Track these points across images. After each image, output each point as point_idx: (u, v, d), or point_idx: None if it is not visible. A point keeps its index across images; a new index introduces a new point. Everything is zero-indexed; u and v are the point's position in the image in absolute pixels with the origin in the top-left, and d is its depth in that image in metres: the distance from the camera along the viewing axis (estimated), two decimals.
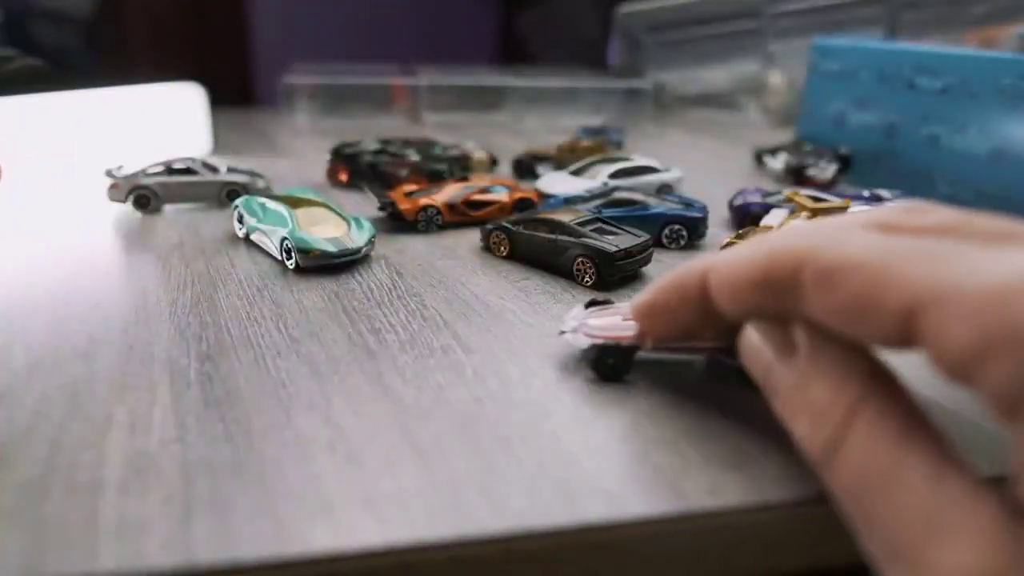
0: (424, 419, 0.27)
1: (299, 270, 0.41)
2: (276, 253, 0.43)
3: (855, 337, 0.20)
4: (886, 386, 0.20)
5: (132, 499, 0.22)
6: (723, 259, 0.24)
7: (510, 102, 0.97)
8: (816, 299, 0.20)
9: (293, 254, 0.41)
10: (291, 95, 0.89)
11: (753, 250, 0.22)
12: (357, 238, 0.43)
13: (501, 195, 0.52)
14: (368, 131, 0.79)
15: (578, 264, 0.40)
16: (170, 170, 0.53)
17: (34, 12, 1.03)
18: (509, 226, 0.44)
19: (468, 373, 0.30)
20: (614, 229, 0.42)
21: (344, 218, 0.45)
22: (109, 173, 0.53)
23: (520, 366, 0.31)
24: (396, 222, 0.50)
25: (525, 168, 0.67)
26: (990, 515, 0.16)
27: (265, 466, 0.24)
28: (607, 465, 0.24)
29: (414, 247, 0.46)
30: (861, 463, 0.19)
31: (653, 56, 1.07)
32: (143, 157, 0.55)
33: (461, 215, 0.51)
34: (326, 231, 0.43)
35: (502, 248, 0.44)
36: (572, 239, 0.41)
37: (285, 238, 0.41)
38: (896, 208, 0.22)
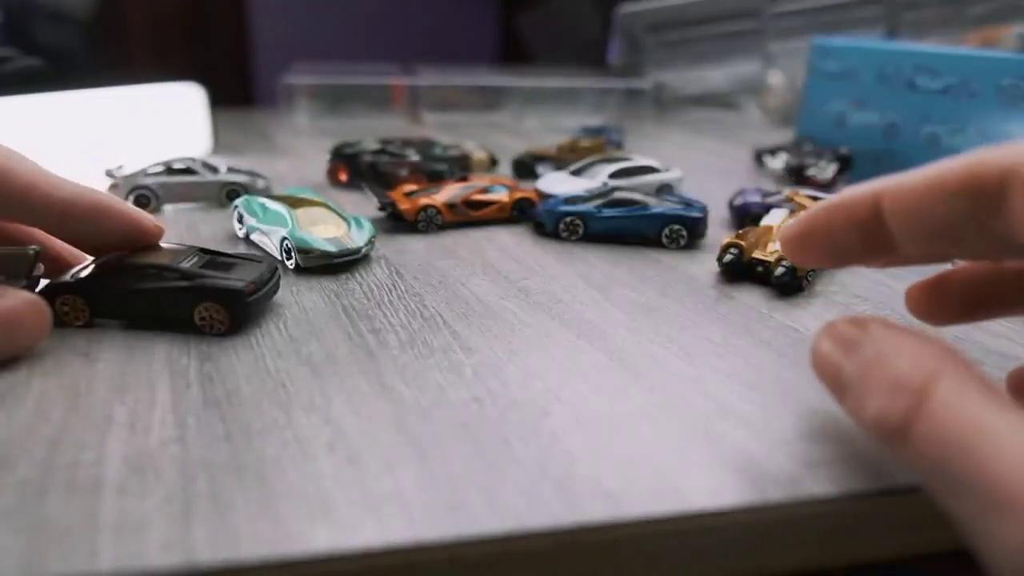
0: (424, 419, 0.27)
1: (299, 270, 0.41)
2: (276, 253, 0.43)
3: None
4: (962, 359, 0.20)
5: (132, 499, 0.22)
6: (903, 177, 0.23)
7: (510, 102, 0.97)
8: (1021, 207, 0.20)
9: (293, 254, 0.41)
10: (291, 95, 0.89)
11: (948, 164, 0.21)
12: (357, 238, 0.43)
13: (501, 195, 0.52)
14: (368, 131, 0.79)
15: (201, 312, 0.33)
16: (170, 170, 0.53)
17: (34, 12, 1.03)
18: (86, 283, 0.33)
19: (468, 373, 0.30)
20: (228, 260, 0.36)
21: (344, 218, 0.45)
22: (109, 173, 0.53)
23: (520, 366, 0.31)
24: (396, 222, 0.50)
25: (525, 168, 0.67)
26: None
27: (265, 466, 0.24)
28: (607, 465, 0.24)
29: (414, 247, 0.46)
30: (945, 423, 0.19)
31: (653, 56, 1.07)
32: (143, 157, 0.55)
33: (461, 215, 0.51)
34: (326, 231, 0.43)
35: (78, 317, 0.33)
36: (184, 283, 0.33)
37: (285, 238, 0.41)
38: None
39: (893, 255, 0.24)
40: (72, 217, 0.32)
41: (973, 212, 0.21)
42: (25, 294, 0.30)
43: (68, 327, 0.33)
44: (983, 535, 0.18)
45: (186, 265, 0.34)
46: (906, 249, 0.23)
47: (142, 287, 0.33)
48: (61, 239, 0.35)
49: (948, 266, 0.28)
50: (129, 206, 0.34)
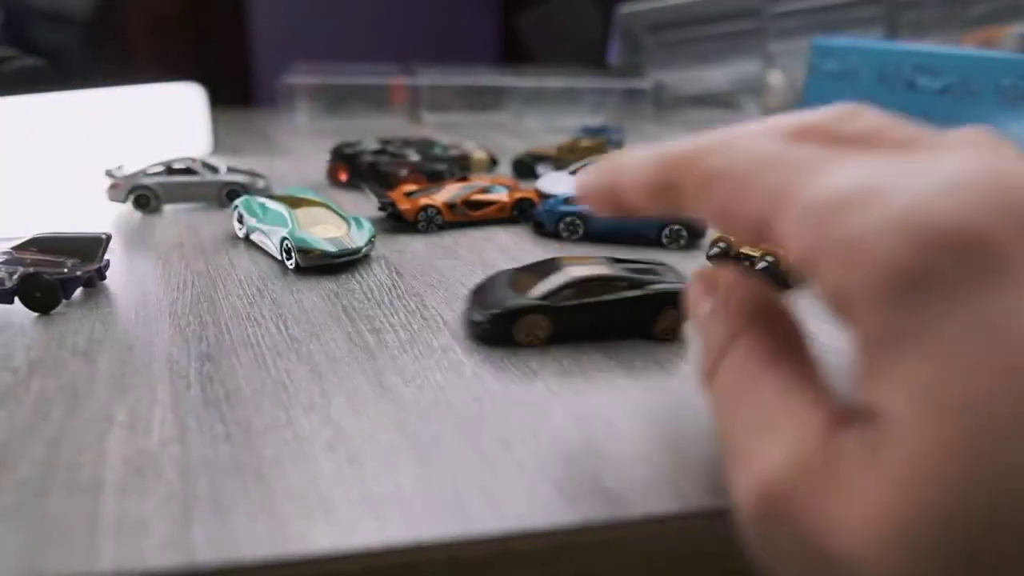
0: (424, 419, 0.27)
1: (299, 270, 0.41)
2: (276, 253, 0.43)
3: (738, 238, 0.21)
4: (771, 320, 0.21)
5: (132, 499, 0.22)
6: (628, 164, 0.24)
7: (510, 102, 0.97)
8: (695, 204, 0.22)
9: (293, 254, 0.41)
10: (291, 95, 0.89)
11: (650, 154, 0.23)
12: (357, 238, 0.43)
13: (501, 195, 0.52)
14: (368, 131, 0.79)
15: (666, 319, 0.33)
16: (170, 170, 0.53)
17: (34, 12, 1.03)
18: (546, 303, 0.32)
19: (468, 373, 0.30)
20: (638, 265, 0.35)
21: (344, 218, 0.45)
22: (109, 173, 0.53)
23: (520, 366, 0.31)
24: (396, 222, 0.50)
25: (525, 168, 0.67)
26: (815, 421, 0.17)
27: (265, 466, 0.24)
28: (607, 465, 0.24)
29: (414, 247, 0.46)
30: (729, 378, 0.20)
31: (653, 56, 1.07)
32: (143, 157, 0.55)
33: (461, 215, 0.51)
34: (326, 231, 0.43)
35: (538, 337, 0.32)
36: (638, 292, 0.33)
37: (285, 238, 0.41)
38: (832, 111, 0.22)
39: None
40: None
41: (674, 207, 0.23)
42: None
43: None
44: (732, 485, 0.19)
45: (625, 273, 0.33)
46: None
47: (600, 300, 0.32)
48: None
49: None
50: None
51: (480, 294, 0.34)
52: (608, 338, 0.33)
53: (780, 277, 0.41)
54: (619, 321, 0.33)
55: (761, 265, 0.41)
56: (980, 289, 0.15)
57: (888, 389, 0.15)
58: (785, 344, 0.21)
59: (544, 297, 0.32)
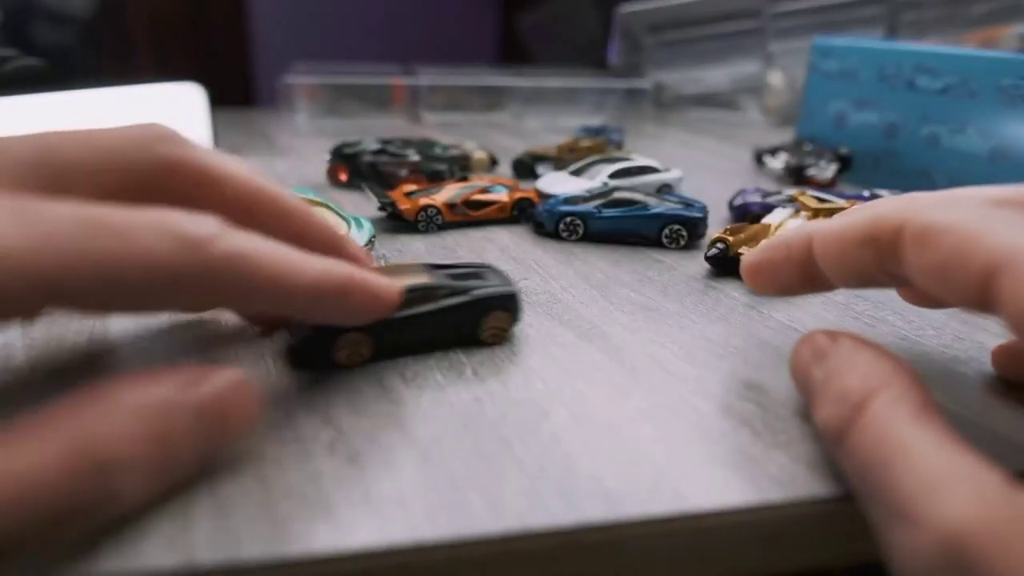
0: (424, 419, 0.27)
1: None
2: None
3: (943, 296, 0.22)
4: (907, 378, 0.22)
5: None
6: (830, 222, 0.26)
7: (510, 102, 0.97)
8: (912, 257, 0.22)
9: None
10: (291, 95, 0.89)
11: (860, 214, 0.24)
12: (357, 238, 0.43)
13: (501, 195, 0.52)
14: (368, 131, 0.79)
15: (491, 322, 0.32)
16: None
17: (34, 12, 1.03)
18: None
19: (468, 373, 0.30)
20: (458, 271, 0.34)
21: (344, 218, 0.45)
22: None
23: (520, 366, 0.31)
24: (396, 222, 0.50)
25: (525, 168, 0.67)
26: (994, 480, 0.17)
27: (265, 466, 0.24)
28: (607, 465, 0.24)
29: (414, 247, 0.46)
30: (875, 434, 0.20)
31: (653, 56, 1.07)
32: None
33: (461, 215, 0.51)
34: None
35: (360, 355, 0.30)
36: (462, 298, 0.31)
37: None
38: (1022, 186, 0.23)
39: (830, 286, 0.28)
40: (317, 302, 0.25)
41: (877, 261, 0.24)
42: (231, 374, 0.23)
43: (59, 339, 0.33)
44: (888, 543, 0.19)
45: (445, 281, 0.31)
46: (838, 285, 0.27)
47: (421, 312, 0.30)
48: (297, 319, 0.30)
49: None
50: (370, 276, 0.27)
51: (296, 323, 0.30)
52: (436, 348, 0.32)
53: (730, 263, 0.42)
54: (444, 330, 0.31)
55: (712, 252, 0.43)
56: None
57: None
58: (926, 399, 0.21)
59: None
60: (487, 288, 0.32)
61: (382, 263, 0.35)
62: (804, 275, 0.28)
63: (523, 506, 0.22)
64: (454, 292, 0.31)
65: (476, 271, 0.34)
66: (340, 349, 0.29)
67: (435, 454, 0.25)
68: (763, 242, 0.29)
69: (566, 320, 0.36)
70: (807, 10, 0.99)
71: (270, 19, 2.02)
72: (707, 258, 0.43)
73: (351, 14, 2.06)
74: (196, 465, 0.22)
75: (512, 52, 2.02)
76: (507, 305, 0.32)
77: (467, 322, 0.32)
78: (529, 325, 0.35)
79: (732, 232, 0.43)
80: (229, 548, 0.20)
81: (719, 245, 0.43)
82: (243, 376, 0.23)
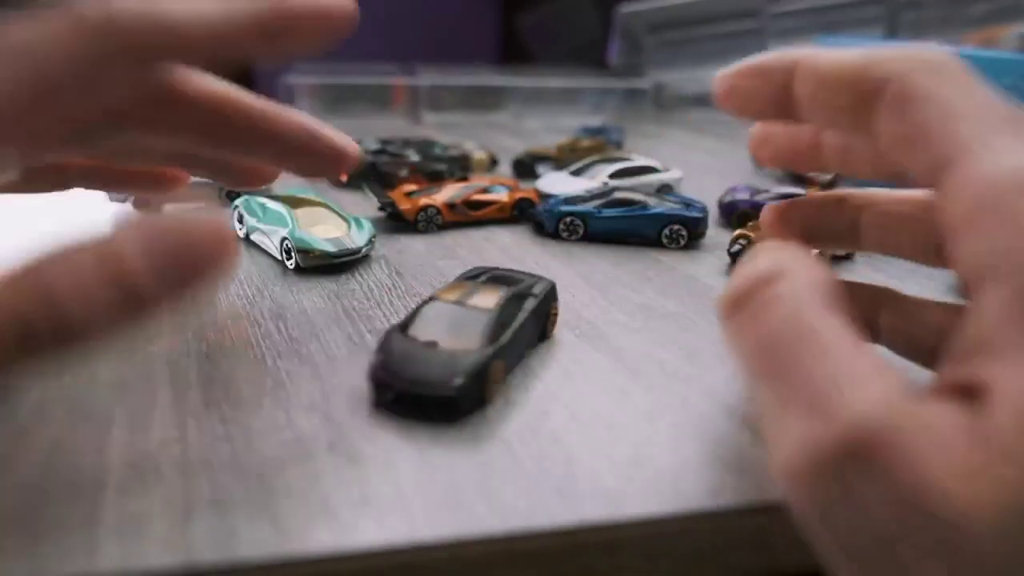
0: (424, 419, 0.27)
1: (299, 270, 0.41)
2: (276, 253, 0.43)
3: (895, 162, 0.21)
4: (821, 273, 0.21)
5: (132, 499, 0.22)
6: (820, 53, 0.24)
7: (510, 102, 0.97)
8: (885, 119, 0.21)
9: (293, 254, 0.41)
10: (291, 95, 0.89)
11: (852, 56, 0.22)
12: (357, 238, 0.43)
13: (501, 195, 0.52)
14: (368, 131, 0.79)
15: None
16: None
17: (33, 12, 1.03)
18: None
19: None
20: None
21: (344, 218, 0.45)
22: None
23: (520, 366, 0.31)
24: (396, 222, 0.50)
25: (525, 168, 0.67)
26: (898, 381, 0.17)
27: (265, 466, 0.24)
28: (607, 465, 0.24)
29: (414, 247, 0.46)
30: (785, 313, 0.19)
31: (653, 56, 1.07)
32: None
33: (461, 215, 0.51)
34: (326, 231, 0.43)
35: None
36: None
37: (285, 238, 0.41)
38: None
39: (800, 119, 0.25)
40: (246, 38, 0.24)
41: (854, 108, 0.22)
42: (206, 217, 0.21)
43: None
44: (778, 427, 0.18)
45: (511, 290, 0.31)
46: (805, 120, 0.25)
47: (523, 321, 0.30)
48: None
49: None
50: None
51: (396, 365, 0.27)
52: (531, 348, 0.32)
53: None
54: (534, 331, 0.32)
55: (735, 248, 0.43)
56: None
57: (1011, 371, 0.16)
58: (837, 301, 0.20)
59: (492, 340, 0.28)
60: (541, 285, 0.33)
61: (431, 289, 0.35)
62: (779, 102, 0.25)
63: (523, 506, 0.22)
64: (523, 296, 0.32)
65: (502, 275, 0.34)
66: (489, 384, 0.28)
67: (435, 454, 0.25)
68: (745, 63, 0.27)
69: (566, 320, 0.36)
70: (807, 10, 0.99)
71: None
72: (730, 254, 0.44)
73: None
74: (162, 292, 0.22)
75: (512, 52, 2.02)
76: (556, 295, 0.34)
77: (541, 317, 0.33)
78: None
79: (754, 228, 0.44)
80: (229, 548, 0.20)
81: (741, 241, 0.43)
82: (218, 219, 0.21)
